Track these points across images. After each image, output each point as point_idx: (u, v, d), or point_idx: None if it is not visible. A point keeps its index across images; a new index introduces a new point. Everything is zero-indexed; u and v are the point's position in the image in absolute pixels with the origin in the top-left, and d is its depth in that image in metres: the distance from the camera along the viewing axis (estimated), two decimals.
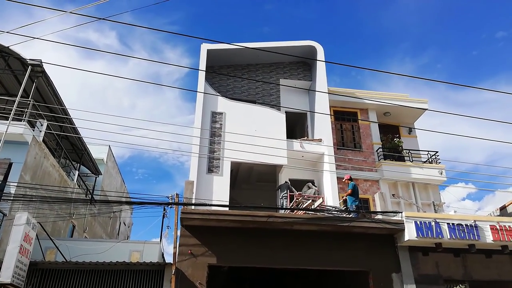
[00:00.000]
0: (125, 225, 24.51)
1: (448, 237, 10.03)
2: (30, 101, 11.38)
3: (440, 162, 15.61)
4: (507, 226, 10.36)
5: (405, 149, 16.19)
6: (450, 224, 10.18)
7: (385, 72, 7.86)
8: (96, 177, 18.08)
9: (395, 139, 16.48)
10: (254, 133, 13.89)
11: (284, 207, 12.80)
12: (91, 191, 16.97)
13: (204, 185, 13.35)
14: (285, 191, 13.79)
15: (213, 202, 12.09)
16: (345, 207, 11.68)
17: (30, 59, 11.56)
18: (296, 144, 14.97)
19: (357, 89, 17.08)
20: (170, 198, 10.17)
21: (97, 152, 18.79)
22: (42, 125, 12.29)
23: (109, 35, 77.22)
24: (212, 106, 15.02)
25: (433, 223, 10.13)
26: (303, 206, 11.85)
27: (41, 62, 11.56)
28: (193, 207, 10.13)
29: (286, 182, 14.14)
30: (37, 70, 11.71)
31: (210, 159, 13.98)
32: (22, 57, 11.71)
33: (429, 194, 15.18)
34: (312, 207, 11.61)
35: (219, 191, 13.26)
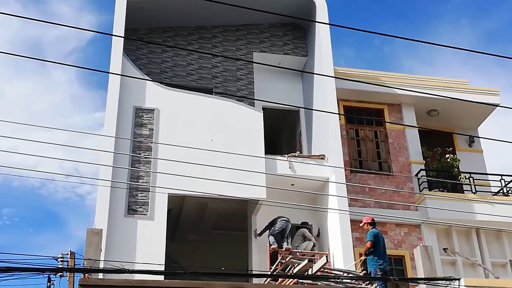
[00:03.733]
0: None
1: None
2: None
3: None
4: None
5: (463, 172, 16.39)
6: None
7: (430, 44, 7.88)
8: None
9: (447, 156, 16.68)
10: (209, 144, 13.75)
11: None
12: None
13: (121, 235, 13.23)
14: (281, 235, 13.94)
15: (137, 266, 11.75)
16: (364, 272, 11.66)
17: None
18: (282, 163, 14.97)
19: (383, 71, 17.24)
20: (59, 259, 9.82)
21: None
22: None
23: None
24: (136, 98, 14.87)
25: None
26: (295, 270, 11.77)
27: None
28: (100, 274, 10.11)
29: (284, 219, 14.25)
30: None
31: (132, 190, 13.82)
32: None
33: (504, 247, 15.45)
34: (310, 271, 11.53)
35: (147, 246, 13.20)
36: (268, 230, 14.31)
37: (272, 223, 14.32)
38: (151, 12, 16.27)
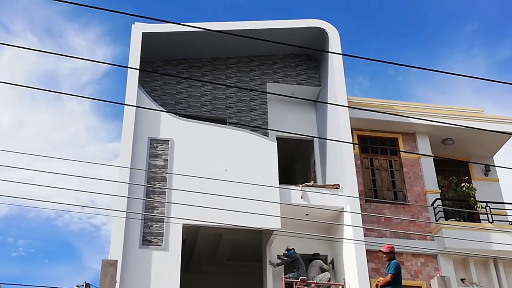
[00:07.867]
0: None
1: None
2: None
3: None
4: None
5: (479, 202, 16.28)
6: None
7: (445, 73, 7.87)
8: None
9: (463, 185, 16.57)
10: (224, 174, 13.77)
11: None
12: None
13: (136, 266, 13.26)
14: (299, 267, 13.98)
15: None
16: None
17: None
18: (296, 193, 14.95)
19: (397, 101, 17.21)
20: None
21: None
22: None
23: None
24: (151, 129, 15.00)
25: None
26: None
27: None
28: None
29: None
30: None
31: (147, 221, 13.85)
32: None
33: None
34: None
35: (162, 277, 13.21)
36: (295, 271, 14.14)
37: (294, 260, 14.25)
38: (166, 45, 16.49)
